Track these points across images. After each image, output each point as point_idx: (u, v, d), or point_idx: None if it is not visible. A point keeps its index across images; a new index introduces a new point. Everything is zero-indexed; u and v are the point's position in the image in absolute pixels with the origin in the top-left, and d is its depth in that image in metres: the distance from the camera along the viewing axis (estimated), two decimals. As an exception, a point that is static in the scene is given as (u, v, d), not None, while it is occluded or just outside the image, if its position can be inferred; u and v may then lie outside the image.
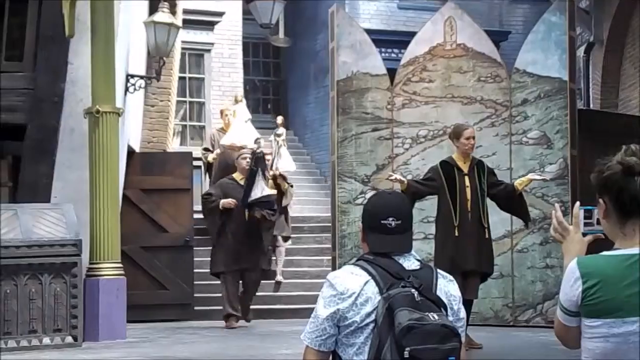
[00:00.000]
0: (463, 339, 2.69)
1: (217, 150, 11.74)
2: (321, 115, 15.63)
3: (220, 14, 14.26)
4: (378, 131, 9.44)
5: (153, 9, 10.72)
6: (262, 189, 9.40)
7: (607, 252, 2.32)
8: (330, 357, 2.72)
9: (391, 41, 14.61)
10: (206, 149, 12.09)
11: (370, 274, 2.64)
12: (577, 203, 2.50)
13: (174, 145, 13.60)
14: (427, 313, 2.53)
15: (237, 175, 9.45)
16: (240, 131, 11.91)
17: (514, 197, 7.57)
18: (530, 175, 7.81)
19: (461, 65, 9.50)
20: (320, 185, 15.71)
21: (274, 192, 10.63)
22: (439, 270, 2.75)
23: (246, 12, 15.05)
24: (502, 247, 9.18)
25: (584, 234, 2.45)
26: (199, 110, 14.86)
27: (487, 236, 7.50)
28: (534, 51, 9.40)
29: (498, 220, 9.01)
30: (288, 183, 11.54)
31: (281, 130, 13.01)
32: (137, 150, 11.42)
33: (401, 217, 2.71)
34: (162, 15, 10.35)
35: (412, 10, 16.00)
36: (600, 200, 2.34)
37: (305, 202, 13.92)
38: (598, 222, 2.41)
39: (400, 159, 9.37)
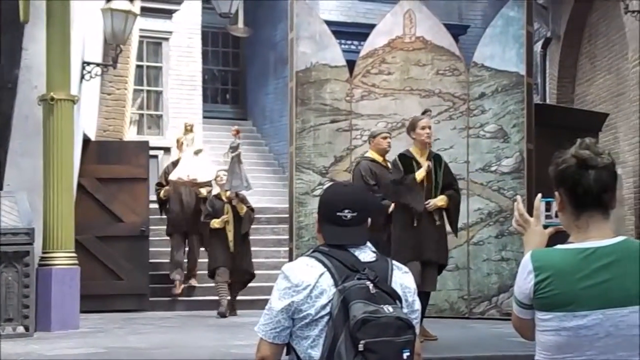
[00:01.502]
0: (418, 331, 2.69)
1: (168, 187, 11.03)
2: (280, 106, 15.58)
3: (179, 3, 14.13)
4: (336, 123, 9.43)
5: (110, -4, 10.58)
6: (243, 181, 9.89)
7: (561, 245, 2.33)
8: (285, 350, 2.70)
9: (351, 33, 14.60)
10: (159, 184, 11.17)
11: (325, 266, 2.62)
12: (539, 195, 2.50)
13: (130, 134, 13.47)
14: (382, 305, 2.51)
15: (377, 157, 8.27)
16: (190, 164, 11.12)
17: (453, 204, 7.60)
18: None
19: (420, 58, 9.52)
20: (279, 177, 15.67)
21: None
22: (394, 262, 2.73)
23: (205, 1, 14.94)
24: (458, 240, 9.21)
25: (545, 226, 2.45)
26: (156, 99, 14.73)
27: (442, 228, 7.54)
28: (492, 45, 9.45)
29: (455, 213, 9.06)
30: (247, 206, 10.10)
31: (236, 142, 10.34)
32: (93, 138, 11.29)
33: (357, 209, 2.69)
34: (120, 3, 10.23)
35: (372, 3, 16.00)
36: (556, 193, 2.34)
37: (262, 193, 13.86)
38: (557, 215, 2.42)
39: (359, 150, 9.36)
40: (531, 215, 2.48)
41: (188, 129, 11.49)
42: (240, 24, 15.73)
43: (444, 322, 8.55)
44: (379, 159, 8.07)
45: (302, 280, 2.61)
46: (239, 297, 10.03)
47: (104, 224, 10.76)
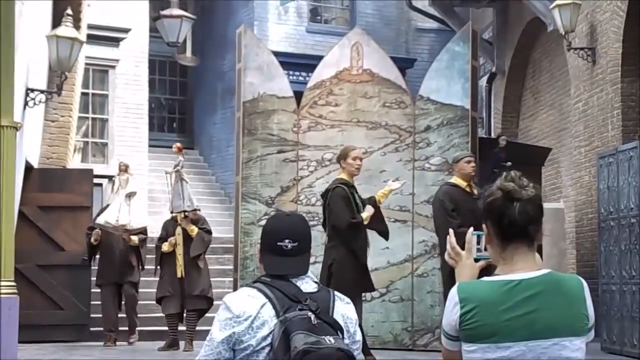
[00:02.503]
0: None
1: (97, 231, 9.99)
2: (227, 135, 15.54)
3: (126, 30, 14.05)
4: (283, 153, 9.43)
5: (56, 22, 10.48)
6: (185, 200, 9.56)
7: (488, 277, 2.35)
8: None
9: (298, 64, 14.68)
10: (90, 228, 10.10)
11: (267, 296, 2.61)
12: (471, 229, 2.53)
13: (75, 161, 13.29)
14: (323, 336, 2.51)
15: (460, 182, 8.01)
16: (121, 209, 10.09)
17: (375, 211, 7.64)
18: (390, 185, 7.89)
19: (367, 91, 9.59)
20: (225, 206, 15.59)
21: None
22: (336, 293, 2.73)
23: (153, 30, 14.88)
24: (403, 272, 9.27)
25: (476, 259, 2.48)
26: (101, 127, 14.58)
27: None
28: (437, 79, 9.56)
29: (400, 244, 9.11)
30: (202, 227, 9.68)
31: (179, 159, 9.96)
32: (36, 166, 11.11)
33: (298, 238, 2.69)
34: (66, 29, 10.13)
35: (320, 35, 16.11)
36: (484, 226, 2.38)
37: (208, 223, 13.76)
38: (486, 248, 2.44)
39: (305, 181, 9.38)
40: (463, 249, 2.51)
41: (122, 169, 10.43)
42: (188, 53, 15.72)
43: (387, 353, 8.54)
44: (463, 184, 7.87)
45: (243, 311, 2.59)
46: (182, 328, 9.79)
47: (45, 252, 10.57)
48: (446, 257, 2.53)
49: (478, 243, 2.46)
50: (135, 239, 10.08)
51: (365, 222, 7.43)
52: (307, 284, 2.68)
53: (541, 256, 2.43)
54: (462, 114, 9.36)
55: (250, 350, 2.57)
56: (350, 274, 7.24)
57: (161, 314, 10.03)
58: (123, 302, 10.19)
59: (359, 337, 2.73)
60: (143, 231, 10.28)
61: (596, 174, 9.96)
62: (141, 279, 10.35)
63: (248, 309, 2.59)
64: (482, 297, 2.28)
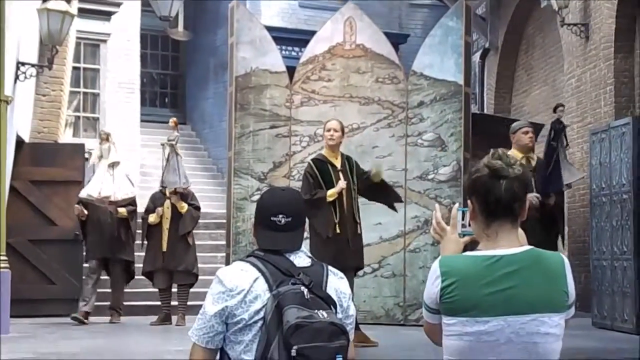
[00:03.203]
0: (352, 336, 2.70)
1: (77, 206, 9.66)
2: (220, 110, 15.50)
3: (118, 4, 13.95)
4: (276, 128, 9.40)
5: (47, -4, 10.40)
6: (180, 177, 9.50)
7: (470, 252, 2.38)
8: (218, 355, 2.67)
9: (291, 39, 14.61)
10: (79, 202, 9.74)
11: (260, 270, 2.61)
12: (456, 204, 2.55)
13: (66, 136, 13.24)
14: (316, 311, 2.51)
15: (517, 154, 7.73)
16: (104, 180, 9.79)
17: (376, 185, 7.63)
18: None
19: (360, 66, 9.55)
20: (217, 182, 15.58)
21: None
22: (329, 268, 2.73)
23: (145, 4, 14.75)
24: (395, 247, 9.29)
25: (461, 235, 2.49)
26: (93, 101, 14.52)
27: (359, 231, 7.58)
28: (431, 54, 9.53)
29: (392, 220, 9.12)
30: (191, 204, 9.68)
31: (175, 134, 9.90)
32: (27, 140, 11.07)
33: (292, 214, 2.69)
34: (56, 3, 10.06)
35: (313, 9, 16.03)
36: (469, 202, 2.39)
37: (200, 198, 13.69)
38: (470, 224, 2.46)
39: (298, 156, 9.36)
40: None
41: (104, 138, 10.05)
42: (180, 28, 15.62)
43: (379, 328, 8.57)
44: (519, 155, 7.65)
45: (236, 285, 2.60)
46: (175, 302, 9.81)
47: (36, 227, 10.55)
48: (431, 231, 2.55)
49: (463, 219, 2.47)
50: (123, 210, 9.75)
51: (330, 198, 7.35)
52: (301, 259, 2.68)
53: (526, 232, 2.45)
54: (455, 89, 9.34)
55: (243, 324, 2.57)
56: (318, 250, 7.16)
57: (152, 289, 10.05)
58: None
59: (352, 311, 2.73)
60: (132, 202, 9.93)
61: (589, 150, 9.96)
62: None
63: (241, 282, 2.59)
64: (463, 271, 2.30)
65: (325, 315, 2.52)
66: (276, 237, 2.67)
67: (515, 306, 2.26)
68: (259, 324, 2.56)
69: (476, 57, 14.50)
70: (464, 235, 2.48)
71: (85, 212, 9.65)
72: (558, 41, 12.27)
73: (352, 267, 7.29)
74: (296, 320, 2.46)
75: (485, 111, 14.47)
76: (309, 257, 2.72)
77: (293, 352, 2.44)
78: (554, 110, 8.20)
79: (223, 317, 2.59)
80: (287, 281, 2.57)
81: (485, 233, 2.36)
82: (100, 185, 9.75)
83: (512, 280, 2.27)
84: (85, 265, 10.23)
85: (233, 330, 2.60)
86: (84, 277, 9.99)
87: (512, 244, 2.33)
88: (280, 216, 2.67)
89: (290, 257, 2.67)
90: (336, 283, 2.70)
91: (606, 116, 10.66)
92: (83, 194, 9.77)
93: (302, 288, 2.55)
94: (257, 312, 2.56)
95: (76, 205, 9.66)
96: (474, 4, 12.22)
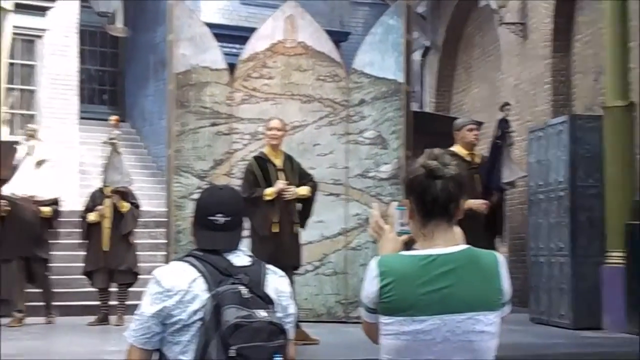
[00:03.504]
0: (293, 335, 2.70)
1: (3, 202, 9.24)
2: (160, 108, 15.33)
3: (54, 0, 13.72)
4: (216, 126, 9.34)
5: (-18, -10, 10.17)
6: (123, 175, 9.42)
7: (407, 252, 2.39)
8: (157, 356, 2.64)
9: (232, 36, 14.50)
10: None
11: (199, 270, 2.59)
12: (394, 203, 2.56)
13: (2, 134, 12.97)
14: (255, 310, 2.50)
15: (461, 150, 7.71)
16: (29, 178, 9.45)
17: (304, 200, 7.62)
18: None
19: (301, 64, 9.54)
20: (157, 180, 15.41)
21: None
22: (269, 267, 2.72)
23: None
24: (337, 245, 9.31)
25: (399, 234, 2.49)
26: (29, 98, 14.25)
27: (295, 231, 7.55)
28: (371, 52, 9.56)
29: (334, 218, 9.15)
30: (132, 202, 9.59)
31: (116, 132, 9.76)
32: (-39, 138, 10.82)
33: (230, 213, 2.67)
34: (-9, -3, 9.84)
35: (254, 7, 15.95)
36: (407, 201, 2.41)
37: (140, 197, 13.57)
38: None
39: (239, 154, 9.31)
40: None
41: (30, 135, 9.71)
42: (119, 24, 15.41)
43: (321, 326, 8.57)
44: (463, 152, 7.65)
45: (173, 285, 2.57)
46: (113, 302, 9.68)
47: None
48: (370, 230, 2.55)
49: (401, 218, 2.47)
50: (47, 210, 9.48)
51: (267, 197, 7.32)
52: (240, 258, 2.67)
53: (466, 231, 2.46)
54: (396, 87, 9.39)
55: (181, 324, 2.55)
56: (257, 248, 7.10)
57: (90, 289, 9.91)
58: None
59: (292, 310, 2.73)
60: (55, 202, 9.65)
61: (526, 148, 10.11)
62: (59, 253, 10.13)
63: (179, 283, 2.57)
64: (400, 270, 2.31)
65: (265, 314, 2.50)
66: (214, 236, 2.65)
67: (451, 305, 2.28)
68: (198, 324, 2.53)
69: (417, 56, 14.59)
70: (402, 234, 2.49)
71: (8, 208, 9.28)
72: (497, 40, 12.42)
73: (289, 266, 7.26)
74: (235, 320, 2.44)
75: (426, 109, 14.58)
76: (249, 256, 2.70)
77: (232, 352, 2.42)
78: (501, 109, 8.29)
79: (161, 318, 2.57)
80: (226, 281, 2.56)
81: (422, 232, 2.37)
82: (25, 183, 9.46)
83: (448, 280, 2.29)
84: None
85: (171, 331, 2.57)
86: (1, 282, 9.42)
87: (448, 243, 2.35)
88: (219, 215, 2.65)
89: (229, 256, 2.65)
90: (276, 282, 2.69)
91: (544, 114, 10.83)
92: (6, 191, 9.44)
93: (241, 287, 2.54)
94: (196, 312, 2.54)
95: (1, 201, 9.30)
96: (414, 2, 12.31)
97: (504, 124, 8.20)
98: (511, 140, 8.29)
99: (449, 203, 2.34)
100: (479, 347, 2.30)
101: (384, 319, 2.32)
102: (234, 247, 2.68)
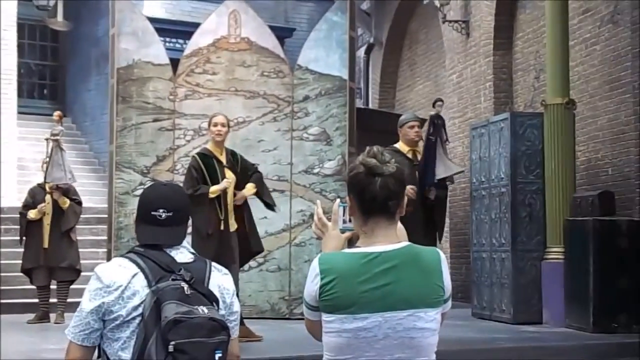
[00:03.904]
0: (237, 333, 2.70)
1: None
2: (102, 103, 15.14)
3: (-7, -8, 13.46)
4: (159, 122, 9.24)
5: None
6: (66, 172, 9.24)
7: (348, 249, 2.40)
8: (96, 352, 2.62)
9: (175, 31, 14.40)
10: None
11: (139, 266, 2.57)
12: (338, 200, 2.56)
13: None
14: (196, 306, 2.49)
15: (403, 147, 7.86)
16: None
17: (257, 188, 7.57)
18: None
19: (245, 59, 9.49)
20: (99, 175, 15.23)
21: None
22: (213, 264, 2.71)
23: (22, -8, 14.30)
24: (281, 241, 9.29)
25: (342, 231, 2.49)
26: (-33, 92, 13.95)
27: (243, 229, 7.47)
28: (316, 49, 9.56)
29: (278, 214, 9.10)
30: (73, 198, 9.48)
31: (59, 128, 9.67)
32: None
33: (172, 208, 2.65)
34: None
35: (197, 1, 15.83)
36: (348, 199, 2.41)
37: (81, 193, 13.35)
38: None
39: (182, 150, 9.23)
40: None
41: None
42: (60, 17, 15.16)
43: (264, 323, 8.55)
44: (405, 149, 7.77)
45: (113, 281, 2.55)
46: (53, 300, 9.54)
47: None
48: (313, 227, 2.55)
49: (344, 214, 2.48)
50: None
51: (212, 195, 7.26)
52: (182, 254, 2.65)
53: (405, 226, 2.47)
54: (340, 84, 9.40)
55: (121, 320, 2.54)
56: (199, 247, 7.03)
57: (29, 286, 9.74)
58: None
59: (236, 307, 2.72)
60: None
61: (469, 145, 10.21)
62: (5, 250, 9.91)
63: (118, 278, 2.55)
64: (341, 268, 2.31)
65: (206, 311, 2.49)
66: (156, 231, 2.63)
67: (392, 302, 2.29)
68: (137, 320, 2.52)
69: (361, 52, 14.66)
70: (344, 231, 2.49)
71: None
72: (440, 37, 12.52)
73: (231, 263, 7.21)
74: (174, 315, 2.43)
75: (370, 106, 14.64)
76: (192, 252, 2.69)
77: (170, 348, 2.41)
78: (433, 105, 8.35)
79: (100, 314, 2.55)
80: (167, 277, 2.54)
81: (363, 230, 2.38)
82: None
83: (389, 277, 2.30)
84: None
85: (110, 327, 2.56)
86: None
87: (389, 240, 2.36)
88: (161, 211, 2.64)
89: (171, 252, 2.64)
90: (219, 279, 2.68)
91: (486, 111, 10.95)
92: None
93: (183, 284, 2.53)
94: (135, 308, 2.52)
95: None
96: (358, -1, 12.35)
97: (437, 119, 8.27)
98: (445, 136, 8.35)
99: (389, 200, 2.34)
100: (420, 343, 2.31)
101: (325, 317, 2.32)
102: (176, 242, 2.66)
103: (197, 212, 7.04)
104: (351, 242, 2.47)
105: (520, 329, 8.39)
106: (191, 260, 2.64)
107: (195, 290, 2.53)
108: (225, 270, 2.74)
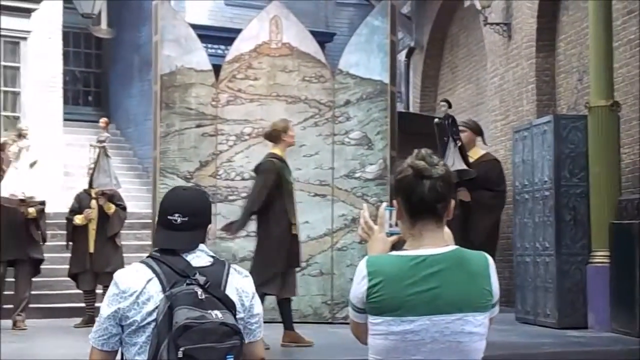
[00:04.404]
0: (260, 335, 2.70)
1: None
2: (145, 109, 15.29)
3: (38, 1, 13.66)
4: (202, 127, 9.32)
5: (-36, -9, 10.11)
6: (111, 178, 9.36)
7: (396, 252, 2.39)
8: (119, 357, 2.67)
9: (217, 37, 14.49)
10: None
11: (154, 271, 2.59)
12: (384, 204, 2.57)
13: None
14: (209, 311, 2.49)
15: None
16: (19, 178, 9.15)
17: None
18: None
19: (286, 65, 9.53)
20: (143, 181, 15.39)
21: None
22: (234, 266, 2.71)
23: (67, 1, 14.50)
24: (323, 246, 9.30)
25: (388, 234, 2.50)
26: (13, 100, 14.18)
27: (293, 231, 7.60)
28: (357, 53, 9.57)
29: (320, 218, 9.15)
30: (116, 204, 9.55)
31: (105, 135, 9.80)
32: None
33: (189, 213, 2.66)
34: (-25, -1, 9.77)
35: (239, 7, 15.94)
36: (395, 202, 2.41)
37: (126, 198, 13.51)
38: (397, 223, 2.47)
39: (224, 155, 9.30)
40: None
41: (22, 134, 9.44)
42: (104, 25, 15.38)
43: (307, 327, 8.56)
44: None
45: (129, 287, 2.58)
46: (99, 304, 9.61)
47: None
48: (359, 231, 2.56)
49: (390, 218, 2.48)
50: (33, 210, 9.17)
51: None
52: (199, 258, 2.65)
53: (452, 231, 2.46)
54: (381, 88, 9.40)
55: (136, 325, 2.57)
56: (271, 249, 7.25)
57: (76, 290, 9.86)
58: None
59: (257, 310, 2.70)
60: (41, 202, 9.37)
61: (511, 148, 10.13)
62: (51, 255, 10.03)
63: (134, 284, 2.58)
64: (389, 271, 2.32)
65: (220, 315, 2.50)
66: (171, 236, 2.64)
67: (440, 306, 2.29)
68: (152, 325, 2.54)
69: (402, 56, 14.62)
70: (391, 235, 2.49)
71: None
72: (481, 40, 12.45)
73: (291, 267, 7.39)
74: (185, 321, 2.45)
75: (411, 109, 14.59)
76: (211, 256, 2.68)
77: (180, 354, 2.42)
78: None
79: (117, 319, 2.59)
80: (181, 282, 2.55)
81: (411, 233, 2.38)
82: (18, 185, 9.19)
83: (437, 281, 2.30)
84: None
85: (127, 332, 2.59)
86: None
87: (436, 244, 2.35)
88: (177, 215, 2.65)
89: (188, 257, 2.64)
90: (238, 282, 2.66)
91: (528, 114, 10.86)
92: (5, 193, 9.12)
93: (197, 288, 2.53)
94: (150, 313, 2.55)
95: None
96: (399, 3, 12.32)
97: (446, 120, 8.28)
98: (457, 135, 8.36)
99: (437, 203, 2.34)
100: (467, 347, 2.31)
101: (372, 319, 2.32)
102: (192, 247, 2.66)
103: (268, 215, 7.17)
104: (396, 247, 2.47)
105: (565, 334, 8.30)
106: (209, 263, 2.64)
107: (210, 295, 2.53)
108: (246, 273, 2.73)
